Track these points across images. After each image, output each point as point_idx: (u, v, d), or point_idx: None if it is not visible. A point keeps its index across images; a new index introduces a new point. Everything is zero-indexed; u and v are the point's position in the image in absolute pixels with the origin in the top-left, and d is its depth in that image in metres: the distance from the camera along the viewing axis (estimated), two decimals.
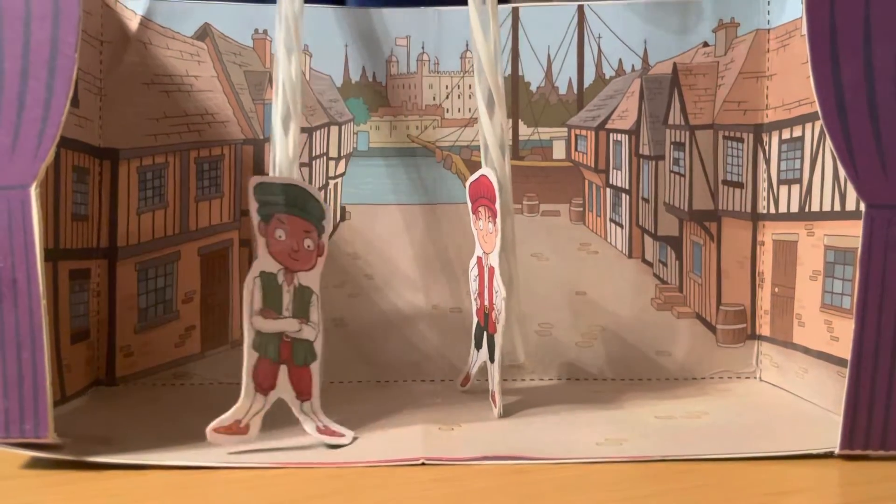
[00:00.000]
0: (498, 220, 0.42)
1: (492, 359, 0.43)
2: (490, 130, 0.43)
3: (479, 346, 0.46)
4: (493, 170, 0.43)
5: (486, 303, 0.44)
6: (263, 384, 0.38)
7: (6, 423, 0.34)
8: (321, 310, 0.40)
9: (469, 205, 0.45)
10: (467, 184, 0.45)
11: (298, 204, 0.39)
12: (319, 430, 0.38)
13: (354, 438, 0.38)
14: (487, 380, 0.44)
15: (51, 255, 0.41)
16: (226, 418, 0.37)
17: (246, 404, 0.37)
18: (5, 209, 0.33)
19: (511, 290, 0.43)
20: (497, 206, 0.42)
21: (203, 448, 0.37)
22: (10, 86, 0.34)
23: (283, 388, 0.38)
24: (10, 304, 0.33)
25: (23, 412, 0.34)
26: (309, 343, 0.39)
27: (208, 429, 0.36)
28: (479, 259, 0.45)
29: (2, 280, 0.33)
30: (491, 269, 0.43)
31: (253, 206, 0.39)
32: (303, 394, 0.38)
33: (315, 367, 0.39)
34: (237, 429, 0.37)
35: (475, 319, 0.46)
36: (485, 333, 0.45)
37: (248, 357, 0.37)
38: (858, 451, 0.35)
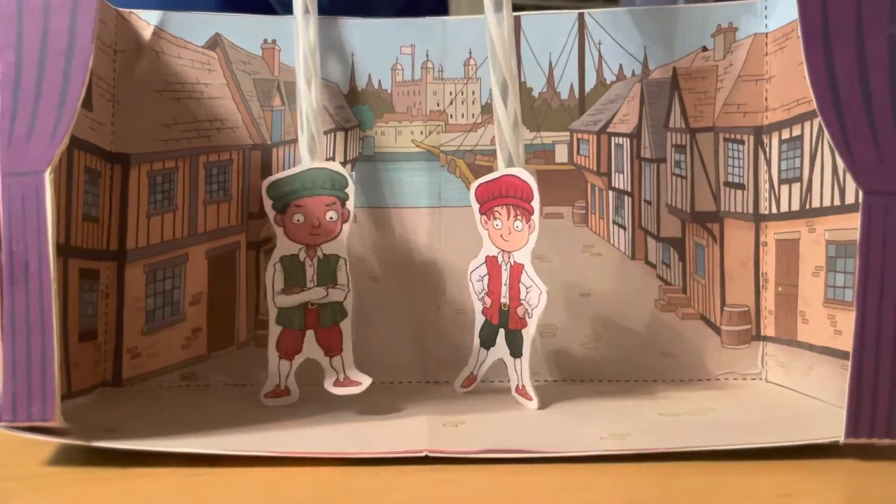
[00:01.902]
0: (534, 217, 0.43)
1: (519, 354, 0.44)
2: (504, 115, 0.45)
3: (487, 346, 0.46)
4: (523, 168, 0.44)
5: (505, 300, 0.44)
6: (287, 351, 0.44)
7: (13, 406, 0.34)
8: (350, 271, 0.44)
9: (476, 206, 0.46)
10: (476, 184, 0.46)
11: (318, 184, 0.44)
12: (337, 384, 0.43)
13: (372, 382, 0.43)
14: (498, 379, 0.44)
15: (62, 251, 0.42)
16: (268, 385, 0.44)
17: (274, 371, 0.44)
18: (19, 195, 0.34)
19: None
20: (534, 204, 0.43)
21: (207, 437, 0.37)
22: (27, 75, 0.35)
23: (311, 350, 0.44)
24: (22, 287, 0.34)
25: (30, 395, 0.34)
26: (339, 304, 0.44)
27: (261, 394, 0.44)
28: (492, 259, 0.45)
29: (15, 264, 0.34)
30: (517, 267, 0.44)
31: (267, 203, 0.44)
32: (332, 350, 0.44)
33: (346, 324, 0.44)
34: (280, 392, 0.44)
35: (481, 319, 0.46)
36: (501, 331, 0.45)
37: (272, 331, 0.44)
38: (864, 440, 0.35)
